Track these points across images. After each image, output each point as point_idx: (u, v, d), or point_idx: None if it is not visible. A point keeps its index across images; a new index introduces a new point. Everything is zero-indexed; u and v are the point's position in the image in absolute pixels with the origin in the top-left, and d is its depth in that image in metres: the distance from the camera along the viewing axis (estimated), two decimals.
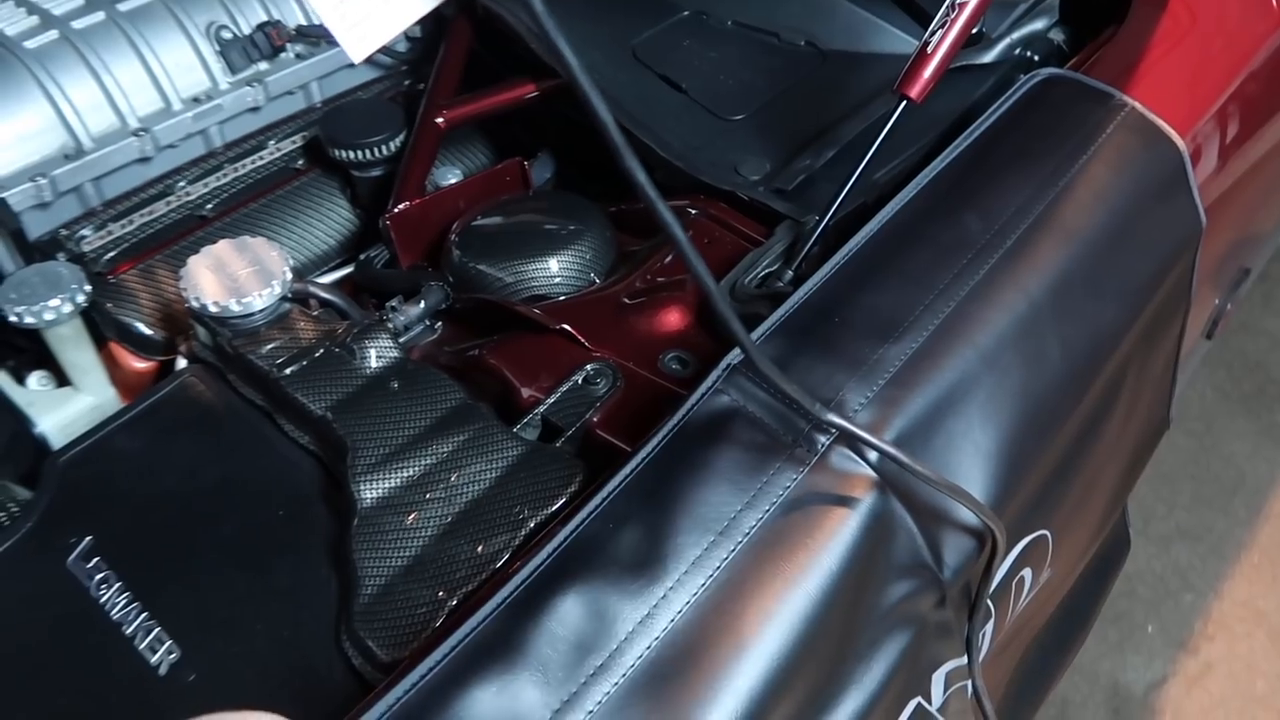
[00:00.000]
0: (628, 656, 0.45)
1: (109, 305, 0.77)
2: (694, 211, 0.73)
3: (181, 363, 0.76)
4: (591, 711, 0.44)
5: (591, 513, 0.49)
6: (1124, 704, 1.42)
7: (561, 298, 0.73)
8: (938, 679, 0.55)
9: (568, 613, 0.46)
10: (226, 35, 0.89)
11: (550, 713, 0.44)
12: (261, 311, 0.67)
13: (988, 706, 0.57)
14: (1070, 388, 0.60)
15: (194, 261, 0.68)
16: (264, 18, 0.92)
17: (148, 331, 0.78)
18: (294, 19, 0.94)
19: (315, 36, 0.93)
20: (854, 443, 0.51)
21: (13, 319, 0.72)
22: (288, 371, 0.64)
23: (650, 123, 0.78)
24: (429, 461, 0.60)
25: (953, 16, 0.62)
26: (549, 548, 0.48)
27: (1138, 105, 0.69)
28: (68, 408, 0.79)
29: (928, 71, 0.63)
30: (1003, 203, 0.61)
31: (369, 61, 0.97)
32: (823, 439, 0.51)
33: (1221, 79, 0.76)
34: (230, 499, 0.63)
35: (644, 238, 0.79)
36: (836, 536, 0.49)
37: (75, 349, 0.77)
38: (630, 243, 0.79)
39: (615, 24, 0.86)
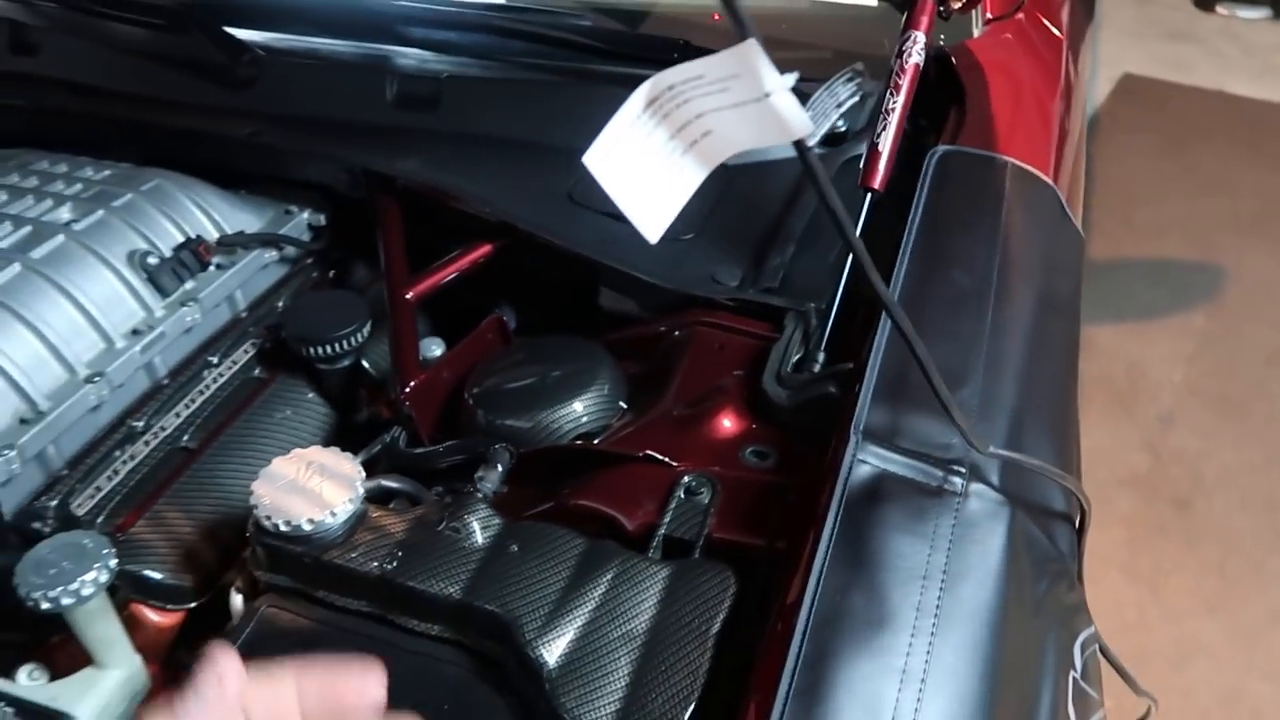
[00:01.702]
0: (907, 700, 0.51)
1: (127, 564, 0.72)
2: (700, 325, 0.81)
3: (237, 598, 0.72)
4: None
5: (816, 592, 0.54)
6: None
7: (596, 431, 0.78)
8: (1077, 650, 0.65)
9: (846, 681, 0.51)
10: (152, 260, 0.86)
11: None
12: (345, 520, 0.66)
13: (1116, 659, 0.67)
14: (1067, 385, 0.74)
15: (263, 488, 0.66)
16: (177, 236, 0.90)
17: (175, 581, 0.73)
18: (200, 229, 0.92)
19: (232, 244, 0.92)
20: (985, 472, 0.60)
21: (46, 605, 0.65)
22: (401, 566, 0.64)
23: (621, 256, 0.85)
24: (590, 606, 0.62)
25: (888, 118, 0.76)
26: (798, 631, 0.53)
27: (1013, 160, 0.86)
28: (100, 688, 0.71)
29: (882, 164, 0.76)
30: (974, 257, 0.75)
31: (281, 261, 0.98)
32: (958, 479, 0.60)
33: (1050, 122, 0.96)
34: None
35: (636, 360, 0.85)
36: (1003, 556, 0.58)
37: (103, 621, 0.70)
38: (628, 367, 0.84)
39: (542, 175, 0.93)
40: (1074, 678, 0.64)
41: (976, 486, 0.60)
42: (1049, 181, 0.86)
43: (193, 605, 0.75)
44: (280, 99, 1.02)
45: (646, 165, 0.40)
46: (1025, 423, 0.65)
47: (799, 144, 0.40)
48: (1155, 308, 2.31)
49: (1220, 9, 3.90)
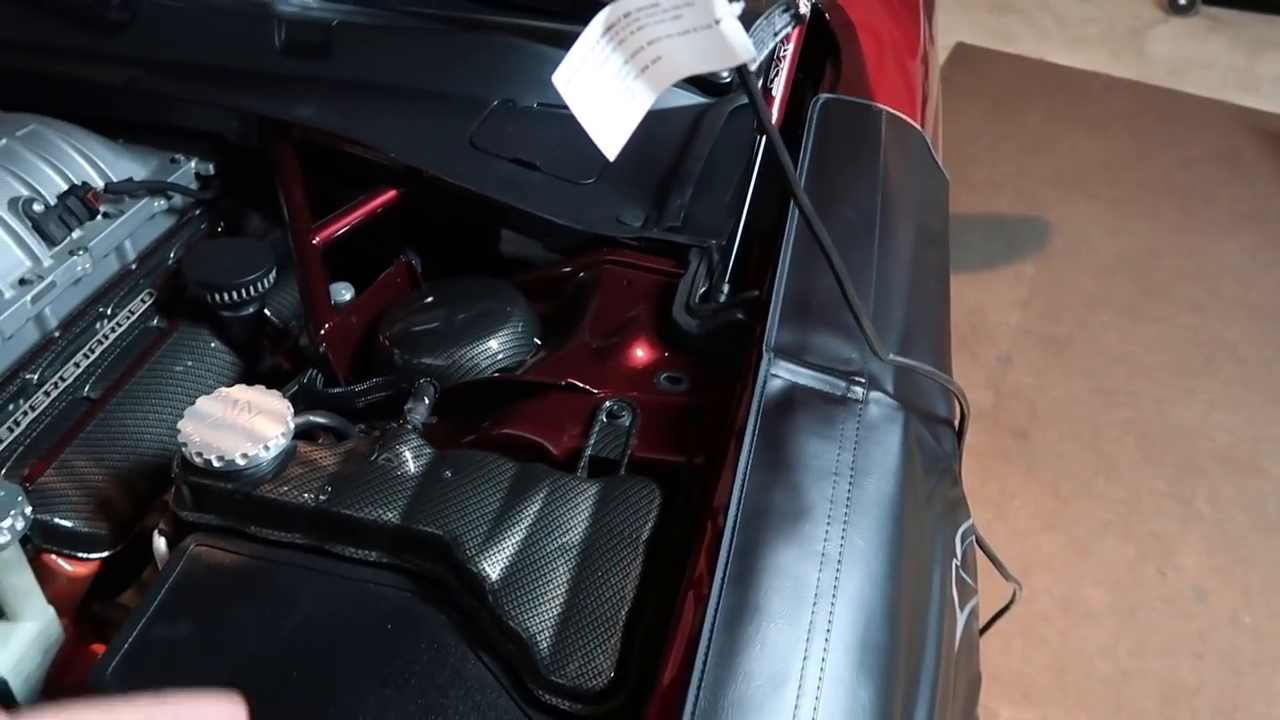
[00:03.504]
0: (826, 580, 0.57)
1: (37, 513, 0.70)
2: (607, 263, 0.85)
3: (159, 541, 0.71)
4: (828, 629, 0.55)
5: (743, 492, 0.60)
6: None
7: (512, 367, 0.81)
8: (958, 540, 0.73)
9: (773, 566, 0.57)
10: (38, 208, 0.83)
11: (803, 644, 0.55)
12: (276, 455, 0.67)
13: (989, 547, 0.76)
14: (942, 308, 0.82)
15: (191, 425, 0.66)
16: (60, 184, 0.86)
17: (89, 529, 0.72)
18: (84, 177, 0.89)
19: (121, 192, 0.89)
20: (881, 381, 0.67)
21: None
22: (336, 496, 0.66)
23: (528, 198, 0.88)
24: (527, 523, 0.66)
25: (780, 64, 0.81)
26: (729, 526, 0.58)
27: (886, 108, 0.93)
28: (13, 641, 0.70)
29: (775, 108, 0.81)
30: (858, 195, 0.81)
31: (169, 211, 0.95)
32: (859, 389, 0.66)
33: (912, 73, 1.04)
34: (330, 637, 0.63)
35: (546, 300, 0.88)
36: (900, 454, 0.65)
37: (17, 572, 0.69)
38: (538, 307, 0.87)
39: (441, 123, 0.94)
40: (956, 565, 0.72)
41: (875, 394, 0.67)
42: (918, 126, 0.94)
43: (107, 554, 0.74)
44: (159, 44, 0.98)
45: (605, 87, 0.43)
46: (913, 337, 0.73)
47: (743, 68, 0.44)
48: (992, 258, 2.50)
49: None
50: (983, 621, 0.91)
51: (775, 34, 0.52)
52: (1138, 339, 2.29)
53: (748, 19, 0.46)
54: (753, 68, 0.45)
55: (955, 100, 3.30)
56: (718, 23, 0.41)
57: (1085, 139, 3.10)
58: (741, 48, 0.43)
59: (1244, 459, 1.99)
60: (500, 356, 0.82)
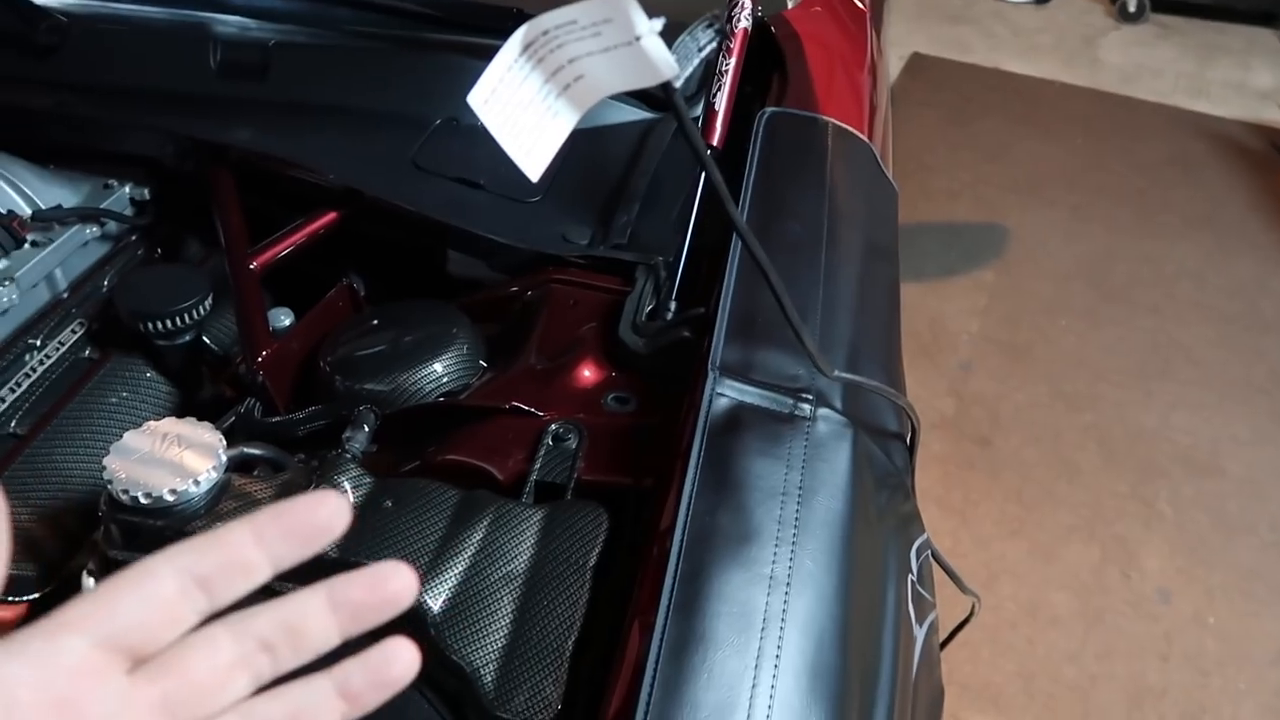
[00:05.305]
0: (775, 604, 0.56)
1: None
2: (554, 283, 0.83)
3: (89, 582, 0.68)
4: (777, 655, 0.54)
5: (687, 515, 0.58)
6: None
7: (457, 390, 0.79)
8: (913, 555, 0.72)
9: (720, 592, 0.55)
10: None
11: (751, 672, 0.53)
12: (208, 489, 0.65)
13: (945, 560, 0.75)
14: (892, 320, 0.81)
15: (117, 462, 0.64)
16: None
17: (15, 571, 0.69)
18: (10, 205, 0.87)
19: (49, 220, 0.87)
20: (829, 398, 0.66)
21: None
22: None
23: (471, 218, 0.86)
24: (470, 552, 0.64)
25: (723, 79, 0.80)
26: (674, 551, 0.57)
27: (833, 120, 0.93)
28: None
29: (719, 122, 0.80)
30: (805, 208, 0.80)
31: (103, 238, 0.93)
32: (807, 406, 0.65)
33: (861, 85, 1.03)
34: None
35: (492, 321, 0.86)
36: (849, 471, 0.64)
37: None
38: (485, 329, 0.86)
39: (382, 143, 0.92)
40: (912, 581, 0.71)
41: (823, 411, 0.66)
42: (865, 139, 0.93)
43: (35, 596, 0.71)
44: (90, 68, 0.96)
45: (524, 107, 0.42)
46: (861, 353, 0.72)
47: (667, 85, 0.43)
48: (951, 266, 2.51)
49: None
50: (944, 635, 0.90)
51: (700, 50, 0.51)
52: (1096, 343, 2.31)
53: (670, 35, 0.45)
54: (678, 84, 0.44)
55: (912, 110, 3.32)
56: (638, 39, 0.39)
57: (1041, 146, 3.14)
58: (664, 64, 0.42)
59: (1203, 459, 2.01)
60: (445, 380, 0.80)
